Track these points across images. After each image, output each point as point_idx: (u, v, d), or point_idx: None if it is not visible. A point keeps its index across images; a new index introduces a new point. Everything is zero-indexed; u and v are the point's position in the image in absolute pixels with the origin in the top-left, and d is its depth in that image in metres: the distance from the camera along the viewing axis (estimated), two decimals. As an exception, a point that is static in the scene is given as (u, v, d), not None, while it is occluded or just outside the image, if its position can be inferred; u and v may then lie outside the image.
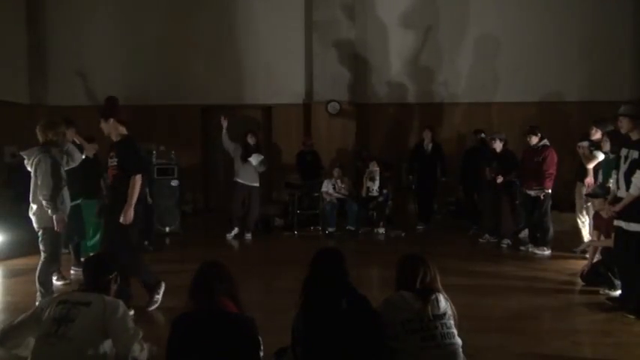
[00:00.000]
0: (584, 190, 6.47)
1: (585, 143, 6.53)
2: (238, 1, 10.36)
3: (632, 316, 4.34)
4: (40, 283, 4.50)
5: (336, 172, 8.51)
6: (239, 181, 7.99)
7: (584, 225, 6.75)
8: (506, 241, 7.27)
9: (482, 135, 8.29)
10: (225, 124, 7.98)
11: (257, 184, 8.06)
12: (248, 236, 8.06)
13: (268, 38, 10.30)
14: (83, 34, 10.37)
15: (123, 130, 4.63)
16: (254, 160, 7.89)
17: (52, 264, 4.60)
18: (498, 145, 7.37)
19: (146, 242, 7.26)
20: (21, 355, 3.03)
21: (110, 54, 10.34)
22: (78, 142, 6.09)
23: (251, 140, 8.02)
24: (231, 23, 10.37)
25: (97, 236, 6.45)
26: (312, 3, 10.03)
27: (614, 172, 4.73)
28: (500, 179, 7.16)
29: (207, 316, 2.68)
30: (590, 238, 5.96)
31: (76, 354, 2.72)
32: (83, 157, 6.33)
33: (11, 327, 3.02)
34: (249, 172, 7.95)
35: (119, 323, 2.85)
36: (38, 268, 4.53)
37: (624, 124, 4.52)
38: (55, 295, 3.27)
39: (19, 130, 9.64)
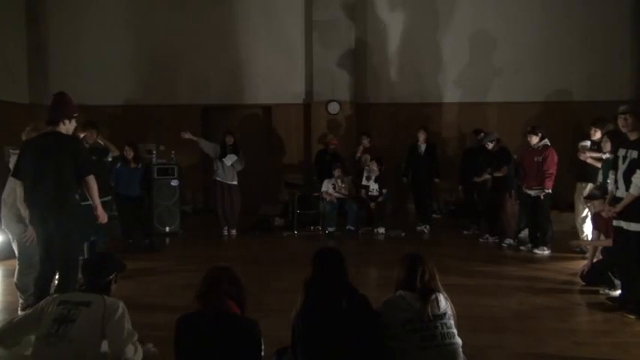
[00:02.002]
0: (585, 192, 6.48)
1: (587, 143, 6.55)
2: (238, 1, 10.36)
3: (632, 316, 4.34)
4: (16, 286, 4.43)
5: (336, 172, 8.50)
6: (217, 179, 8.22)
7: (584, 226, 6.75)
8: (508, 241, 7.28)
9: (482, 134, 8.29)
10: (186, 136, 8.21)
11: (235, 182, 8.25)
12: (233, 232, 8.26)
13: (268, 38, 10.31)
14: (83, 35, 10.37)
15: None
16: (228, 160, 8.12)
17: (25, 268, 4.47)
18: (490, 146, 7.48)
19: (146, 241, 7.28)
20: (22, 353, 3.03)
21: (110, 54, 10.35)
22: (102, 142, 6.14)
23: (229, 140, 8.21)
24: (231, 23, 10.37)
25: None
26: (312, 3, 10.03)
27: (611, 172, 4.73)
28: (500, 174, 7.22)
29: (211, 317, 2.69)
30: (591, 238, 5.96)
31: (76, 354, 2.72)
32: (110, 158, 6.38)
33: (11, 326, 3.02)
34: (227, 170, 8.17)
35: (115, 325, 2.84)
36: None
37: (629, 122, 4.44)
38: (54, 295, 3.26)
39: (19, 130, 9.62)
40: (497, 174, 7.26)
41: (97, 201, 4.22)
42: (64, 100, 4.38)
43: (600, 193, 5.36)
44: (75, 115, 4.36)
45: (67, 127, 4.34)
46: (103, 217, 4.30)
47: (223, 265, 2.95)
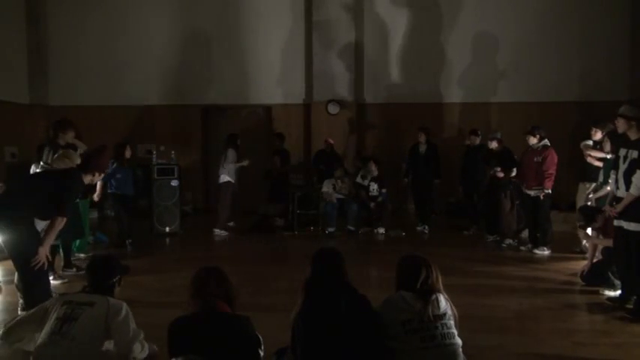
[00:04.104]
0: (587, 192, 6.50)
1: (590, 142, 6.58)
2: (239, 1, 10.37)
3: (631, 316, 4.34)
4: (16, 287, 4.39)
5: (337, 172, 8.51)
6: (232, 181, 8.27)
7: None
8: (508, 241, 7.28)
9: (479, 134, 8.28)
10: (246, 163, 8.41)
11: None
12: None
13: (268, 38, 10.32)
14: (83, 35, 10.38)
15: None
16: (246, 162, 8.39)
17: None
18: (494, 145, 7.47)
19: (128, 241, 7.29)
20: (25, 349, 3.06)
21: (110, 54, 10.36)
22: (76, 145, 6.11)
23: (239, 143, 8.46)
24: (231, 23, 10.38)
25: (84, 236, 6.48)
26: (312, 3, 10.04)
27: (612, 172, 4.74)
28: (501, 174, 7.22)
29: (202, 318, 2.70)
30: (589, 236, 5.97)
31: (78, 352, 2.74)
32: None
33: (15, 323, 3.07)
34: (235, 172, 8.35)
35: (121, 325, 2.88)
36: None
37: (620, 125, 4.57)
38: (57, 295, 3.28)
39: (19, 130, 9.66)
40: (499, 174, 7.26)
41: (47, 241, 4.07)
42: (101, 155, 4.64)
43: (584, 219, 5.48)
44: (105, 171, 4.54)
45: (92, 178, 4.51)
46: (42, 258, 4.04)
47: (211, 266, 2.95)
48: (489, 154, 7.57)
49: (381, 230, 8.25)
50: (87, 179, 4.42)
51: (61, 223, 4.08)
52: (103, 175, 4.63)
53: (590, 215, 5.43)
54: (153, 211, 8.17)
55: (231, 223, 8.64)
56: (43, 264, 3.99)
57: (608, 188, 5.39)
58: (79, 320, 2.80)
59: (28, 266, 3.97)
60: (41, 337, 2.86)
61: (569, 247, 6.83)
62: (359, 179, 8.48)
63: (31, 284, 4.06)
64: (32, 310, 3.12)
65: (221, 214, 8.29)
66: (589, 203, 6.29)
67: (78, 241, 6.36)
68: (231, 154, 8.22)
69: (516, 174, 7.22)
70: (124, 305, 2.95)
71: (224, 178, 8.22)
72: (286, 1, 10.33)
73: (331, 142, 9.31)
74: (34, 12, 10.23)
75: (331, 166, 8.79)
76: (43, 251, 3.99)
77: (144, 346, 3.02)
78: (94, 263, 3.22)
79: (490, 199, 7.54)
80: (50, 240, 4.09)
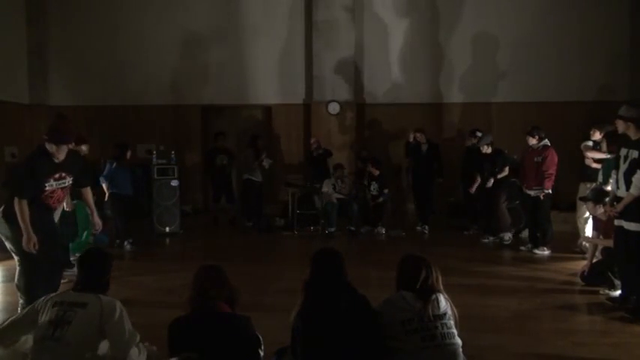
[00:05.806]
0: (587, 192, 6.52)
1: (590, 142, 6.60)
2: (239, 1, 10.36)
3: (631, 316, 4.34)
4: (16, 287, 4.36)
5: (337, 172, 8.51)
6: (254, 179, 8.73)
7: (586, 227, 6.75)
8: (508, 236, 7.28)
9: (478, 134, 8.27)
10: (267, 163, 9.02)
11: None
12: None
13: (268, 38, 10.31)
14: (83, 34, 10.38)
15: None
16: (266, 162, 8.92)
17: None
18: (486, 149, 7.53)
19: (128, 241, 7.26)
20: (20, 350, 3.01)
21: (110, 54, 10.35)
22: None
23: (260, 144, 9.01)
24: (231, 23, 10.37)
25: (83, 237, 6.46)
26: (312, 3, 10.03)
27: (613, 172, 4.75)
28: (490, 183, 7.39)
29: (203, 319, 2.70)
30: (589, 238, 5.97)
31: (74, 357, 2.70)
32: None
33: (6, 326, 2.99)
34: (260, 171, 8.90)
35: (116, 326, 2.80)
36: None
37: (619, 125, 4.60)
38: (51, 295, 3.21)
39: (19, 130, 9.65)
40: (501, 175, 7.30)
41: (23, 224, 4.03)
42: (59, 124, 4.64)
43: (592, 195, 5.41)
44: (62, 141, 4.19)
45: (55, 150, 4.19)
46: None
47: (212, 265, 2.94)
48: (482, 157, 7.61)
49: (382, 230, 8.26)
50: (51, 149, 4.13)
51: (17, 203, 3.97)
52: (63, 146, 4.15)
53: (600, 194, 5.37)
54: (153, 211, 8.17)
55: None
56: (36, 249, 4.02)
57: (609, 188, 5.39)
58: (72, 324, 2.72)
59: (24, 256, 4.07)
60: (34, 341, 2.79)
61: (569, 247, 6.83)
62: (365, 182, 8.51)
63: (31, 283, 4.06)
64: (23, 312, 3.05)
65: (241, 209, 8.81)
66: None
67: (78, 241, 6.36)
68: (248, 154, 8.74)
69: (516, 174, 7.24)
70: (118, 303, 2.86)
71: (245, 176, 8.72)
72: (286, 1, 10.33)
73: (315, 140, 9.29)
74: (34, 12, 10.22)
75: (321, 164, 8.89)
76: (26, 239, 4.01)
77: (141, 351, 2.94)
78: (88, 258, 3.03)
79: (488, 200, 7.55)
80: (23, 225, 4.00)
